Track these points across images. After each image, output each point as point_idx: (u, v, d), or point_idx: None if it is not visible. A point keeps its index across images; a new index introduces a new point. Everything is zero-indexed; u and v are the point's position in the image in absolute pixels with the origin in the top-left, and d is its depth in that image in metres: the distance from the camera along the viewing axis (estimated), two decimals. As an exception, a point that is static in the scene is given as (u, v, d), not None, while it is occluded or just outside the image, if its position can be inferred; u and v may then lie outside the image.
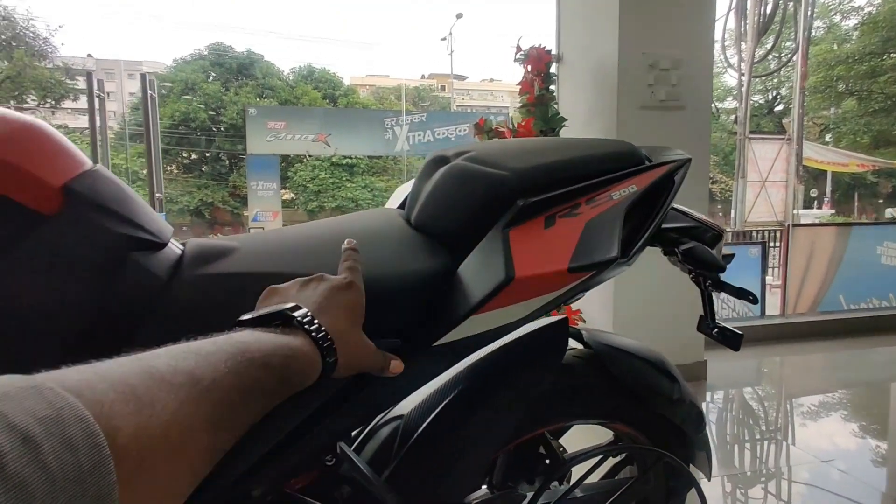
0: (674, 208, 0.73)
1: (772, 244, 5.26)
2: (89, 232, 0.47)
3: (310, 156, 19.38)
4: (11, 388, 0.21)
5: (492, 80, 40.35)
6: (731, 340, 0.84)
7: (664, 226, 0.70)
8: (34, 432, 0.20)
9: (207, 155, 22.50)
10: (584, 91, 2.47)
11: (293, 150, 16.27)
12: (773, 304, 3.77)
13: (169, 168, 22.04)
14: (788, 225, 3.76)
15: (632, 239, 0.60)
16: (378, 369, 0.48)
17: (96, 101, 3.43)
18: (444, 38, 28.92)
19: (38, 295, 0.44)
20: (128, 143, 19.01)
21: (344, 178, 20.93)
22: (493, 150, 0.63)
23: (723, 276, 0.82)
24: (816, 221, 9.97)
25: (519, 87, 2.29)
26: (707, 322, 0.87)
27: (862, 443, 2.02)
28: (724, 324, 0.84)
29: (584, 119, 2.46)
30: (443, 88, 32.21)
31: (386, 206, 0.85)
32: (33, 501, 0.18)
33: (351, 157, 20.21)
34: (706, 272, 0.77)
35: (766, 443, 2.04)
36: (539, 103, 2.15)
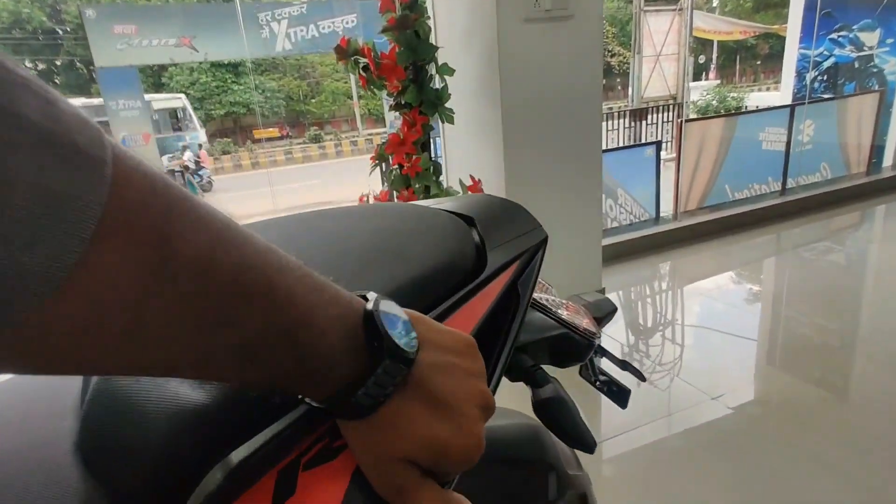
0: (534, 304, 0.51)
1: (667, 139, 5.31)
2: None
3: (175, 64, 16.91)
4: None
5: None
6: (617, 396, 0.70)
7: (523, 341, 0.49)
8: None
9: (58, 64, 19.05)
10: (460, 6, 2.10)
11: (152, 59, 13.88)
12: (668, 201, 3.82)
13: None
14: (681, 122, 3.72)
15: None
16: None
17: None
18: None
19: None
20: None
21: (229, 81, 18.66)
22: None
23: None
24: (704, 95, 10.32)
25: (378, 1, 1.87)
26: (588, 372, 0.71)
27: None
28: (610, 376, 0.69)
29: (461, 41, 2.11)
30: (326, -34, 28.61)
31: None
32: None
33: (230, 58, 17.91)
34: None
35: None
36: (402, 26, 1.76)
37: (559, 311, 0.52)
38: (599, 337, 0.53)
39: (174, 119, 14.93)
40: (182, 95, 14.96)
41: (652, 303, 2.68)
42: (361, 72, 1.98)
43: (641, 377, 0.65)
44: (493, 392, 0.41)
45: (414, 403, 0.29)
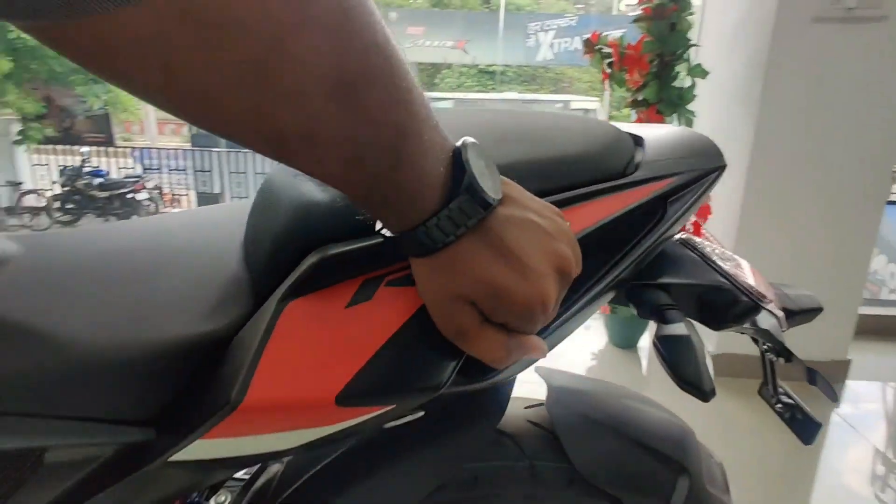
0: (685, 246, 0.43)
1: None
2: None
3: (448, 66, 18.91)
4: None
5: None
6: (802, 427, 0.56)
7: (665, 280, 0.42)
8: None
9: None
10: (735, 2, 1.88)
11: (430, 57, 15.78)
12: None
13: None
14: None
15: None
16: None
17: None
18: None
19: None
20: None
21: (489, 87, 20.20)
22: None
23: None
24: None
25: (641, -9, 1.79)
26: (768, 389, 0.59)
27: None
28: (795, 398, 0.56)
29: (726, 41, 1.89)
30: (610, -16, 28.57)
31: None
32: None
33: (496, 64, 19.32)
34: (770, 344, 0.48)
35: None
36: (658, 16, 1.65)
37: (723, 263, 0.43)
38: (771, 302, 0.42)
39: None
40: (597, 99, 16.35)
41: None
42: (605, 67, 1.94)
43: (834, 397, 0.50)
44: (595, 297, 0.36)
45: (482, 248, 0.28)
